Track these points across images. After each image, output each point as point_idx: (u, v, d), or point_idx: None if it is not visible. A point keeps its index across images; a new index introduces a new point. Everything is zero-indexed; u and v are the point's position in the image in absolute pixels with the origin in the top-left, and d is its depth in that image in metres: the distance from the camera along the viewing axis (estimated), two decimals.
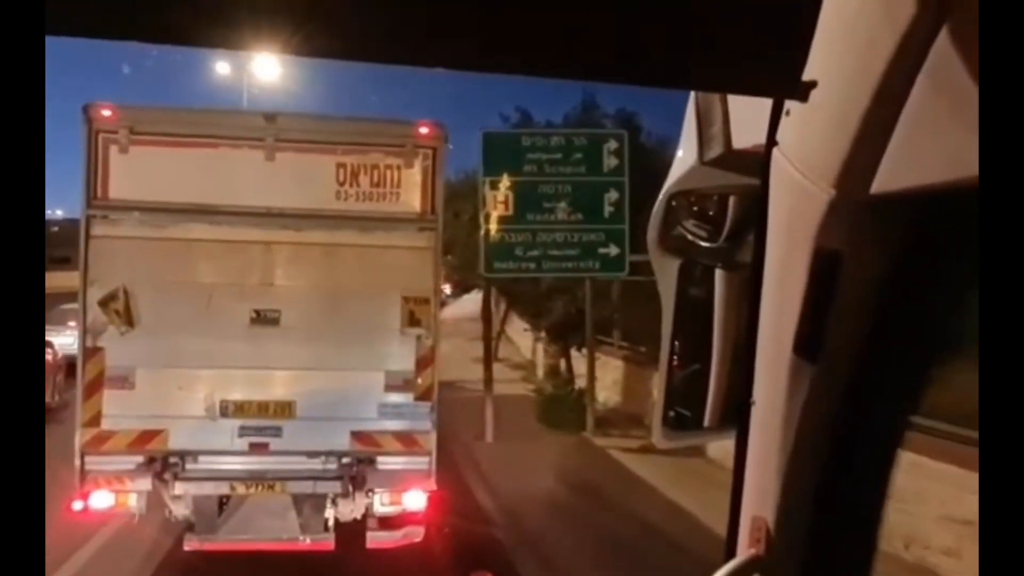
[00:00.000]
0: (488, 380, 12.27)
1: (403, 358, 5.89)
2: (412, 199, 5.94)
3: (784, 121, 0.85)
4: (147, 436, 5.63)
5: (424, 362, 5.92)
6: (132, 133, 5.57)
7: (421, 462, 5.92)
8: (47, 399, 13.00)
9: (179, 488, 5.68)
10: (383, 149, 5.88)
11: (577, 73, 0.77)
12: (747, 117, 0.93)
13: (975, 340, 0.63)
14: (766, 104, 0.87)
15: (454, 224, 17.67)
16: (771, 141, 0.87)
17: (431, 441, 5.94)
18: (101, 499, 5.65)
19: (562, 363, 16.20)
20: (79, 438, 5.60)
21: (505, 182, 11.08)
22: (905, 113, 0.72)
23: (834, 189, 0.79)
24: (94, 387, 5.60)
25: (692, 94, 1.08)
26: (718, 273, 1.12)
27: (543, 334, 16.92)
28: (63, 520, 5.38)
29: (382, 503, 5.97)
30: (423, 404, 5.91)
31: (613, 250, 11.16)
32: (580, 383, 13.92)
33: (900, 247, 0.81)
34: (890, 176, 0.75)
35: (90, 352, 5.60)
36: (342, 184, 5.81)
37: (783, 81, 0.77)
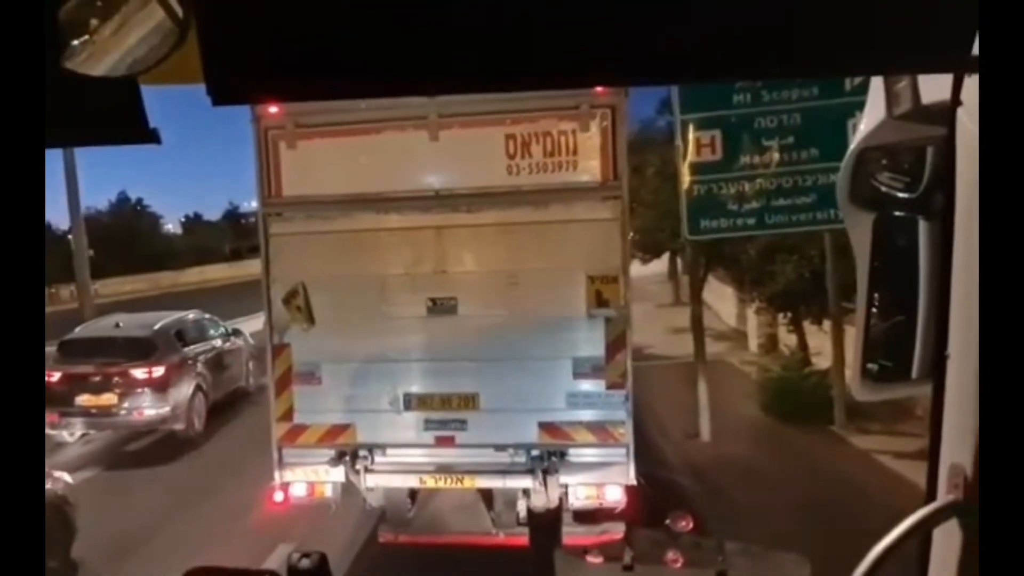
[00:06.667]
0: (700, 357, 10.95)
1: (591, 343, 5.96)
2: (591, 166, 5.94)
3: (967, 81, 0.97)
4: (337, 430, 6.21)
5: (615, 347, 5.95)
6: (297, 127, 6.06)
7: (617, 454, 6.02)
8: (242, 383, 14.62)
9: (370, 481, 6.20)
10: (555, 113, 5.90)
11: (758, 71, 0.90)
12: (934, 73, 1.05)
13: None
14: None
15: (634, 180, 15.83)
16: (955, 101, 1.00)
17: (627, 432, 5.99)
18: (299, 490, 6.34)
19: (783, 335, 14.72)
20: (275, 432, 6.27)
21: (710, 120, 9.74)
22: None
23: None
24: (284, 383, 6.25)
25: None
26: (921, 224, 1.22)
27: (758, 302, 15.25)
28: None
29: (577, 497, 6.13)
30: (616, 392, 5.97)
31: None
32: (816, 361, 12.52)
33: None
34: None
35: (277, 349, 6.25)
36: (512, 157, 5.93)
37: (954, 56, 0.88)
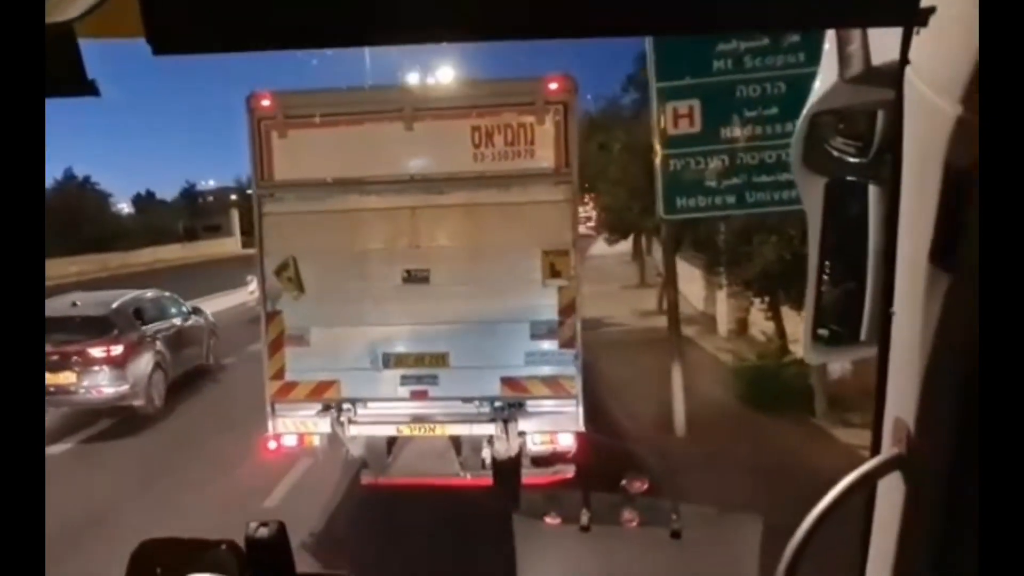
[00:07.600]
0: (676, 344, 10.65)
1: (546, 308, 7.00)
2: (546, 154, 6.95)
3: (915, 40, 0.97)
4: (323, 386, 7.18)
5: (567, 311, 7.00)
6: (287, 118, 6.98)
7: (568, 405, 7.07)
8: (203, 361, 15.14)
9: (353, 431, 7.17)
10: (515, 108, 6.91)
11: (695, 25, 0.93)
12: (884, 34, 1.05)
13: None
14: None
15: (601, 158, 16.10)
16: (903, 60, 0.99)
17: (577, 385, 7.03)
18: (290, 440, 7.32)
19: (757, 320, 14.31)
20: (268, 389, 7.19)
21: (688, 88, 9.10)
22: None
23: (962, 106, 0.88)
24: (276, 345, 7.20)
25: None
26: (872, 189, 1.22)
27: (732, 285, 14.66)
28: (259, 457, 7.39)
29: (534, 443, 7.16)
30: (568, 351, 7.02)
31: None
32: (794, 349, 11.98)
33: None
34: None
35: (270, 316, 7.20)
36: (478, 146, 6.93)
37: (902, 9, 0.86)
